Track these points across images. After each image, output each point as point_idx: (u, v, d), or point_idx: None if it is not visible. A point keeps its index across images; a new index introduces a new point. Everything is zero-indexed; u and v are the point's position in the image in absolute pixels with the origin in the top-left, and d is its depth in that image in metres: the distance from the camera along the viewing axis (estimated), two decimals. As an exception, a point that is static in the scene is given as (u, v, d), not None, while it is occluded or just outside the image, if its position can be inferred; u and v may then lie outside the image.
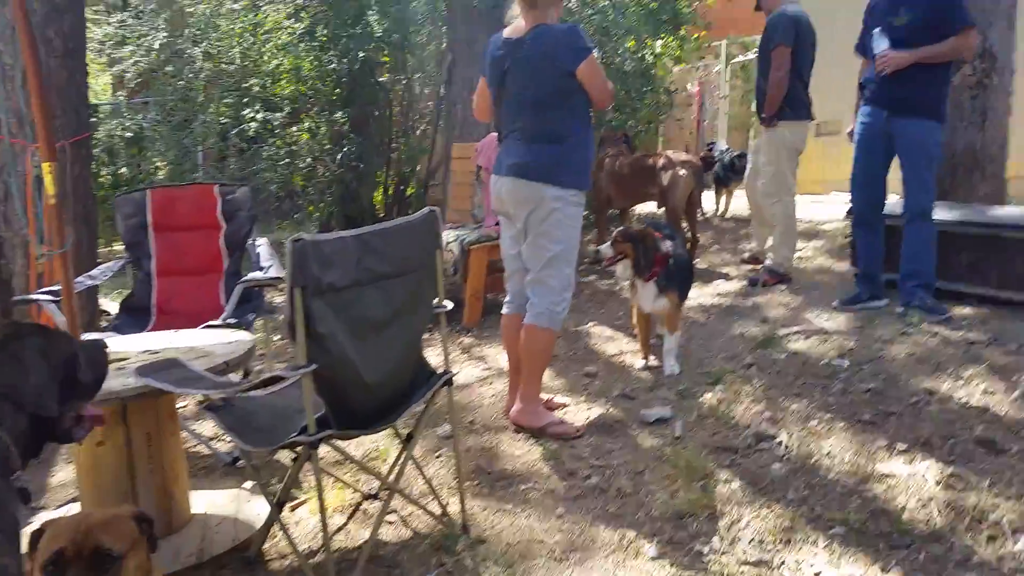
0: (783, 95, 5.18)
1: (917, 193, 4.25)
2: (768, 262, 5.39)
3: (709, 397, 3.48)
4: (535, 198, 3.10)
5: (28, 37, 2.69)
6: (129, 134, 8.25)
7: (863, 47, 4.55)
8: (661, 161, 6.10)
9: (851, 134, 4.68)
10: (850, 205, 4.75)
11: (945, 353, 3.75)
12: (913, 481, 2.66)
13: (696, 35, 9.99)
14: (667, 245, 3.74)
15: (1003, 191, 5.57)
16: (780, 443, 2.99)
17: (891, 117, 4.27)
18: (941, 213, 4.63)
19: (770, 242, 5.49)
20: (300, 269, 2.02)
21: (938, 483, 2.63)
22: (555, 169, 3.08)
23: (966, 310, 4.39)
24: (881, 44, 4.21)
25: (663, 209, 6.23)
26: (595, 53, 3.09)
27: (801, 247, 6.37)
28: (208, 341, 2.79)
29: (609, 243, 3.80)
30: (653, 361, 3.96)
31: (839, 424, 3.13)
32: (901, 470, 2.74)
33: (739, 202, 7.68)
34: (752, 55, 10.08)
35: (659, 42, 9.07)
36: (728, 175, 8.01)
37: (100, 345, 1.80)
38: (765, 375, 3.69)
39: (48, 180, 2.80)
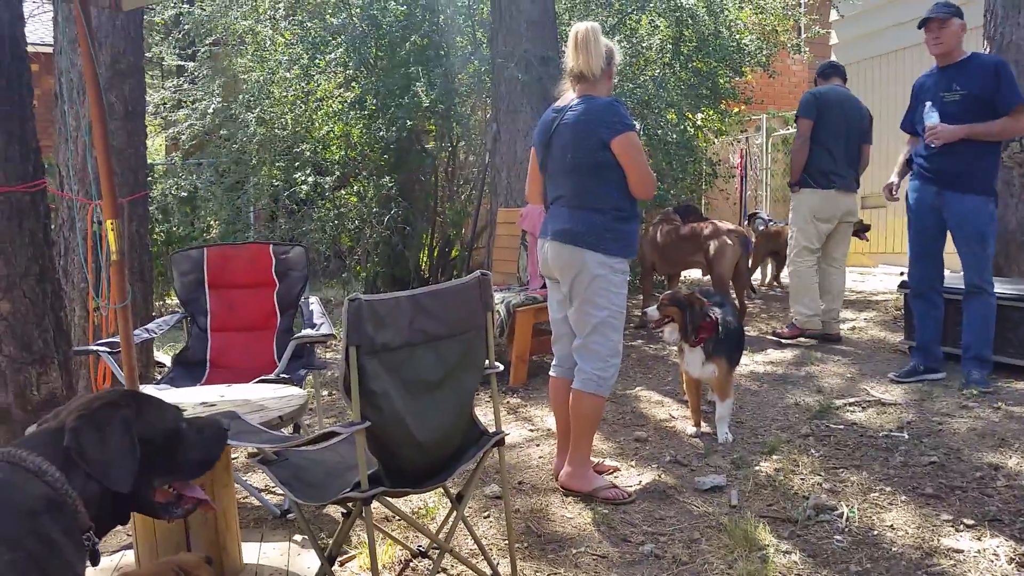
0: (801, 163, 5.51)
1: (969, 268, 4.25)
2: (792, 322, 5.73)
3: (765, 466, 3.39)
4: (578, 264, 3.11)
5: (97, 100, 2.79)
6: (183, 193, 8.48)
7: (910, 124, 4.61)
8: (708, 229, 6.10)
9: (888, 189, 4.75)
10: (903, 277, 4.72)
11: (1009, 428, 3.63)
12: (983, 558, 2.55)
13: (737, 109, 10.11)
14: (715, 311, 3.70)
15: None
16: (840, 515, 2.89)
17: (940, 192, 4.28)
18: (997, 288, 4.55)
19: (823, 305, 5.68)
20: (355, 328, 2.03)
21: (1010, 561, 2.51)
22: (598, 236, 3.09)
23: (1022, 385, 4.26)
24: (932, 117, 4.22)
25: (708, 276, 6.21)
26: (634, 134, 3.07)
27: (853, 318, 6.31)
28: (262, 395, 2.80)
29: (656, 306, 3.78)
30: (705, 428, 3.88)
31: (901, 497, 3.02)
32: (969, 546, 2.62)
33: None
34: (792, 129, 10.14)
35: (700, 115, 9.19)
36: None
37: (218, 426, 1.78)
38: (822, 446, 3.60)
39: (111, 237, 2.87)
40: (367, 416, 2.08)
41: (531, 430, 4.16)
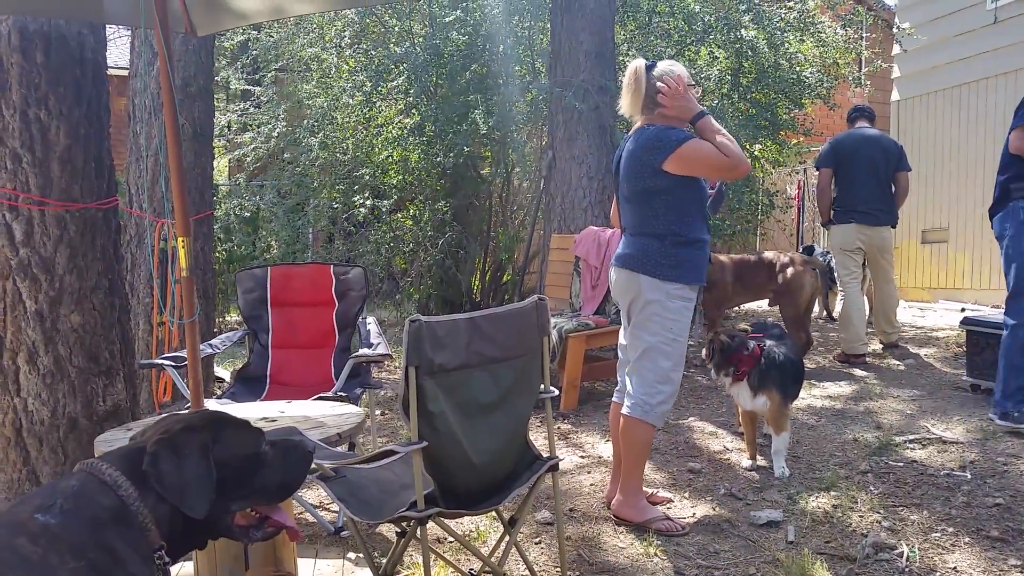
0: (825, 207, 6.20)
1: None
2: (840, 349, 6.15)
3: (822, 502, 3.32)
4: (633, 288, 3.13)
5: (172, 122, 2.90)
6: (246, 214, 8.71)
7: None
8: (783, 259, 5.99)
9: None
10: (964, 313, 4.61)
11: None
12: (1053, 607, 2.46)
13: (795, 140, 10.02)
14: (752, 345, 3.65)
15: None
16: (901, 554, 2.82)
17: None
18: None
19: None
20: (415, 349, 2.07)
21: (1082, 611, 2.42)
22: (654, 262, 3.08)
23: None
24: None
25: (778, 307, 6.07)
26: (686, 145, 2.99)
27: (913, 353, 6.17)
28: (321, 412, 2.85)
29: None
30: (761, 461, 3.82)
31: (964, 539, 2.93)
32: (1039, 594, 2.53)
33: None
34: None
35: (758, 145, 9.13)
36: (830, 277, 7.86)
37: (303, 448, 1.77)
38: (881, 483, 3.51)
39: (182, 254, 2.97)
40: (424, 436, 2.12)
41: (582, 456, 4.15)
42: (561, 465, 3.95)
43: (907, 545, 2.88)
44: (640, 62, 3.17)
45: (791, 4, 8.90)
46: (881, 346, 6.39)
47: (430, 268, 7.92)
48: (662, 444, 4.24)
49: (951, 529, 3.02)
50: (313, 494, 3.71)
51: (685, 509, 3.37)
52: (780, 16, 8.42)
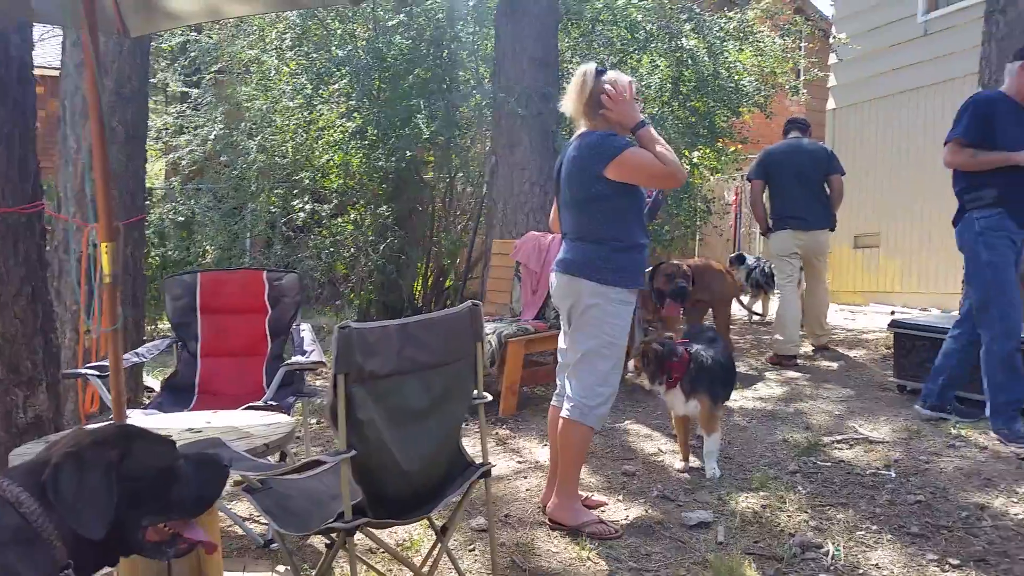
0: (760, 216, 6.51)
1: None
2: (772, 351, 6.39)
3: (752, 503, 3.38)
4: (574, 292, 3.15)
5: (98, 125, 2.82)
6: (180, 218, 8.51)
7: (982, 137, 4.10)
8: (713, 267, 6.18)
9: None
10: (894, 316, 4.73)
11: (995, 468, 3.63)
12: (969, 601, 2.54)
13: (733, 148, 10.22)
14: (680, 351, 3.68)
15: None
16: (827, 553, 2.88)
17: None
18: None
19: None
20: (344, 356, 2.05)
21: (996, 604, 2.51)
22: (594, 266, 3.11)
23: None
24: None
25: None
26: (627, 152, 3.03)
27: (843, 355, 6.34)
28: (248, 422, 2.79)
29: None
30: (693, 462, 3.88)
31: (887, 536, 3.02)
32: (955, 589, 2.62)
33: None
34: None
35: (696, 153, 9.29)
36: (769, 281, 8.07)
37: (219, 463, 1.73)
38: (809, 483, 3.59)
39: (105, 260, 2.88)
40: (353, 445, 2.09)
41: (519, 462, 4.15)
42: (498, 470, 3.97)
43: (833, 544, 2.95)
44: (591, 65, 3.20)
45: (731, 14, 9.08)
46: (812, 348, 6.56)
47: (371, 273, 7.85)
48: (598, 448, 4.27)
49: (875, 527, 3.10)
50: (243, 506, 3.64)
51: (619, 512, 3.39)
52: (720, 26, 8.58)
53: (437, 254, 8.63)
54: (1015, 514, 3.14)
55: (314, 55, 8.03)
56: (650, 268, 5.22)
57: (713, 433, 3.74)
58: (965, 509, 3.20)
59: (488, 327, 5.23)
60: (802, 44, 11.75)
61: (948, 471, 3.63)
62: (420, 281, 8.59)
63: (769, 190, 6.35)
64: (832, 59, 10.81)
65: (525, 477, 3.90)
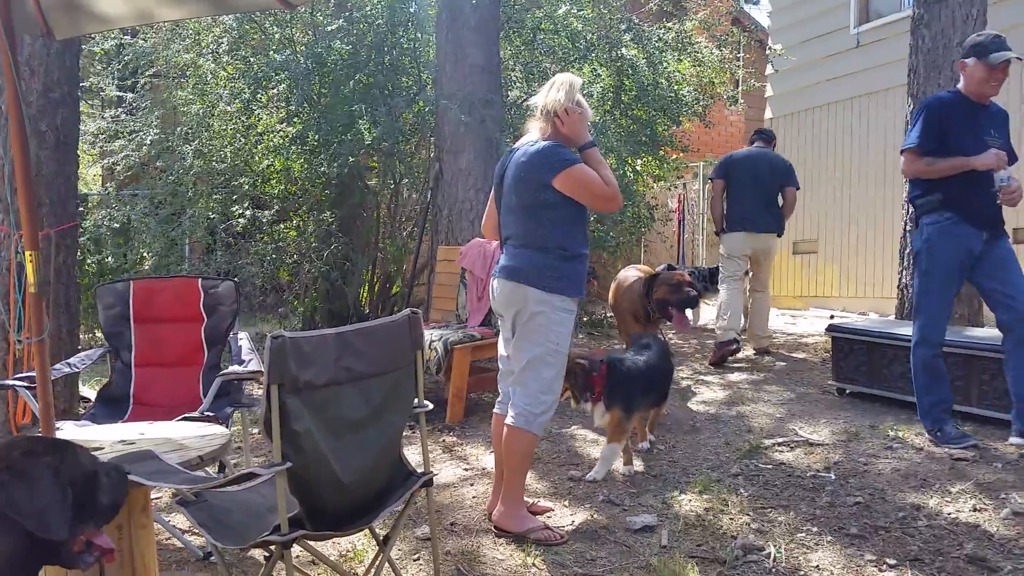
0: (717, 215, 6.73)
1: None
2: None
3: (696, 506, 3.41)
4: (519, 300, 3.14)
5: (19, 129, 2.71)
6: (116, 224, 8.24)
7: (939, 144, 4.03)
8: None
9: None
10: (833, 320, 4.82)
11: (930, 469, 3.73)
12: (905, 598, 2.59)
13: (675, 156, 10.37)
14: (599, 363, 3.68)
15: (979, 313, 5.70)
16: (768, 555, 2.92)
17: (999, 238, 4.03)
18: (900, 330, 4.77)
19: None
20: (278, 366, 2.00)
21: (931, 601, 2.56)
22: (539, 274, 3.11)
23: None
24: (1004, 177, 3.89)
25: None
26: (576, 167, 3.07)
27: (785, 356, 6.46)
28: (183, 434, 2.71)
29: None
30: (638, 467, 3.89)
31: (827, 537, 3.07)
32: (892, 586, 2.67)
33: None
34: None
35: (639, 161, 9.39)
36: (707, 287, 8.20)
37: (119, 469, 1.74)
38: (751, 485, 3.64)
39: (29, 269, 2.77)
40: (288, 456, 2.04)
41: (466, 469, 4.12)
42: (445, 478, 3.93)
43: (774, 546, 2.98)
44: (578, 79, 3.25)
45: (670, 25, 9.21)
46: (754, 351, 6.70)
47: (316, 280, 7.72)
48: (545, 453, 4.26)
49: (815, 528, 3.15)
50: (183, 518, 3.53)
51: (565, 517, 3.39)
52: (659, 36, 8.69)
53: (383, 260, 8.53)
54: (948, 513, 3.22)
55: (252, 59, 7.88)
56: (647, 278, 5.10)
57: (613, 442, 3.76)
58: (902, 510, 3.27)
59: (434, 334, 5.20)
60: (740, 55, 11.99)
61: (886, 472, 3.71)
62: (366, 288, 8.48)
63: (727, 192, 6.63)
64: (769, 69, 11.06)
65: (472, 484, 3.87)
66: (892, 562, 2.83)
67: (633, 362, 3.84)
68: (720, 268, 6.85)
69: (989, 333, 4.55)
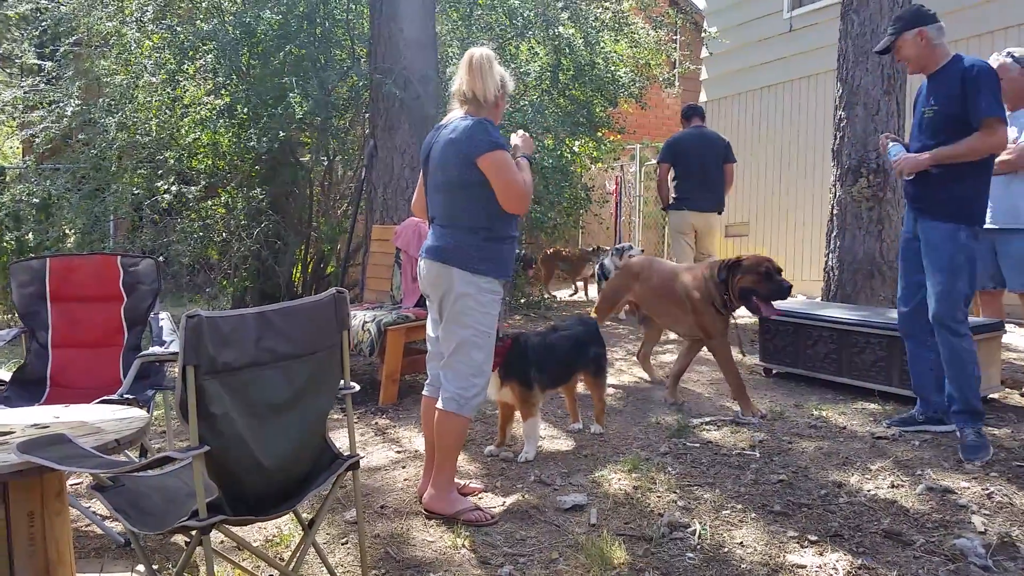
0: (664, 194, 7.20)
1: (934, 301, 3.78)
2: None
3: (625, 484, 3.44)
4: (446, 281, 3.10)
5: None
6: (36, 200, 7.90)
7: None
8: None
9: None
10: None
11: (852, 447, 3.84)
12: (824, 572, 2.66)
13: (612, 138, 10.42)
14: (502, 334, 3.63)
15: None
16: (693, 532, 2.96)
17: (917, 220, 3.91)
18: (844, 313, 4.90)
19: None
20: (194, 347, 1.93)
21: (847, 574, 2.63)
22: (466, 255, 3.07)
23: (871, 406, 4.53)
24: (893, 152, 3.91)
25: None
26: (501, 153, 3.01)
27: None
28: (100, 417, 2.61)
29: None
30: (568, 445, 3.91)
31: (751, 514, 3.13)
32: (811, 561, 2.73)
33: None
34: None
35: (577, 142, 9.42)
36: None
37: None
38: (679, 463, 3.69)
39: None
40: (207, 440, 1.97)
41: (398, 451, 4.08)
42: (377, 460, 3.89)
43: (699, 523, 3.03)
44: (490, 50, 3.21)
45: (607, 4, 9.22)
46: None
47: (245, 259, 7.54)
48: (477, 435, 4.25)
49: (739, 506, 3.21)
50: (103, 505, 3.41)
51: (496, 498, 3.38)
52: (596, 16, 8.68)
53: (317, 240, 8.38)
54: (868, 490, 3.32)
55: (178, 28, 7.61)
56: (727, 263, 4.45)
57: (530, 418, 3.80)
58: (824, 487, 3.36)
59: (368, 315, 5.13)
60: (677, 37, 12.08)
61: (809, 451, 3.81)
62: (299, 268, 8.32)
63: (674, 172, 7.07)
64: (704, 52, 11.17)
65: (403, 467, 3.84)
66: (813, 538, 2.90)
67: (538, 340, 3.87)
68: (673, 248, 7.38)
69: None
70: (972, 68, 3.63)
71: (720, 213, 7.14)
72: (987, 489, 3.27)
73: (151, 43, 7.74)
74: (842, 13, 6.23)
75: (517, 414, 3.96)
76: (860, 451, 3.78)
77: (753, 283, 4.37)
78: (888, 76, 5.94)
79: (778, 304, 4.49)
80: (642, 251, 9.07)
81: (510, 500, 3.35)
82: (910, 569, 2.65)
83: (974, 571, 2.62)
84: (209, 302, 8.33)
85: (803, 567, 2.70)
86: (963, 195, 3.72)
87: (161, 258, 7.81)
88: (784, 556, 2.78)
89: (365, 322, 5.05)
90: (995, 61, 4.41)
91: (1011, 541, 2.81)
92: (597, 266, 9.16)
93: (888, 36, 3.91)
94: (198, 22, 7.46)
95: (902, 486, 3.34)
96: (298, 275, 8.34)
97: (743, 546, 2.86)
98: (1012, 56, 4.51)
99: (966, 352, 3.72)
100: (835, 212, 6.11)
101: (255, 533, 3.08)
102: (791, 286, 4.34)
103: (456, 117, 3.17)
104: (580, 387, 4.37)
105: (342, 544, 2.99)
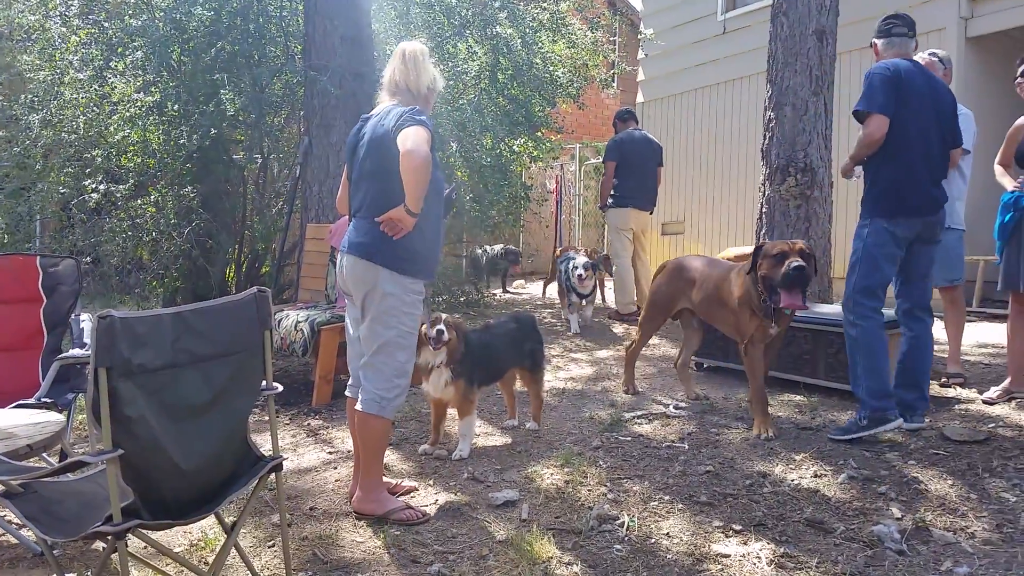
0: (608, 192, 7.58)
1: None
2: (615, 308, 7.64)
3: (557, 479, 3.47)
4: (370, 280, 3.03)
5: None
6: (-43, 199, 7.61)
7: None
8: None
9: None
10: None
11: (778, 438, 3.93)
12: (747, 561, 2.72)
13: (551, 137, 10.48)
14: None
15: (828, 290, 6.04)
16: (622, 524, 3.00)
17: None
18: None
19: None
20: (106, 348, 1.89)
21: (770, 563, 2.70)
22: (392, 253, 3.00)
23: (796, 397, 4.64)
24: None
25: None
26: (421, 128, 2.90)
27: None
28: (13, 422, 2.54)
29: (439, 327, 3.65)
30: (502, 440, 3.93)
31: (678, 505, 3.19)
32: (736, 550, 2.80)
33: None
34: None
35: (517, 141, 9.45)
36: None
37: None
38: (610, 457, 3.74)
39: None
40: (121, 443, 1.93)
41: (330, 452, 4.04)
42: (308, 462, 3.85)
43: (628, 515, 3.08)
44: (423, 46, 3.20)
45: (544, 5, 9.26)
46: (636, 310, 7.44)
47: (176, 259, 7.37)
48: (411, 433, 4.24)
49: (667, 497, 3.26)
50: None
51: (429, 496, 3.38)
52: (534, 16, 8.72)
53: (251, 239, 8.23)
54: (792, 480, 3.40)
55: (106, 24, 7.40)
56: (750, 250, 4.13)
57: (466, 416, 3.82)
58: (749, 477, 3.44)
59: (301, 314, 5.07)
60: (615, 38, 12.20)
61: (736, 442, 3.89)
62: (233, 267, 8.16)
63: (617, 172, 7.47)
64: (640, 54, 11.31)
65: (335, 468, 3.80)
66: (738, 527, 2.97)
67: (475, 336, 3.88)
68: (610, 245, 7.74)
69: (835, 309, 4.83)
70: (869, 72, 3.87)
71: (652, 213, 7.67)
72: (904, 477, 3.39)
73: (78, 39, 7.51)
74: (772, 16, 6.37)
75: (450, 412, 3.96)
76: (785, 442, 3.87)
77: (768, 271, 3.91)
78: (816, 77, 6.09)
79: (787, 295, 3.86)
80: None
81: (443, 498, 3.35)
82: (830, 556, 2.73)
83: (890, 556, 2.72)
84: (139, 303, 8.13)
85: (727, 556, 2.76)
86: (871, 191, 3.94)
87: (89, 259, 7.60)
88: (709, 546, 2.83)
89: (298, 322, 4.99)
90: (921, 60, 4.57)
91: (925, 526, 2.92)
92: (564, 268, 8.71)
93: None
94: (127, 18, 7.25)
95: (825, 475, 3.44)
96: (232, 275, 8.19)
97: (669, 537, 2.91)
98: (936, 56, 4.68)
99: (856, 342, 3.91)
100: (764, 210, 6.25)
101: (179, 538, 3.02)
102: (801, 267, 3.82)
103: (385, 107, 3.13)
104: (518, 384, 4.38)
105: (269, 547, 2.95)
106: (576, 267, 6.87)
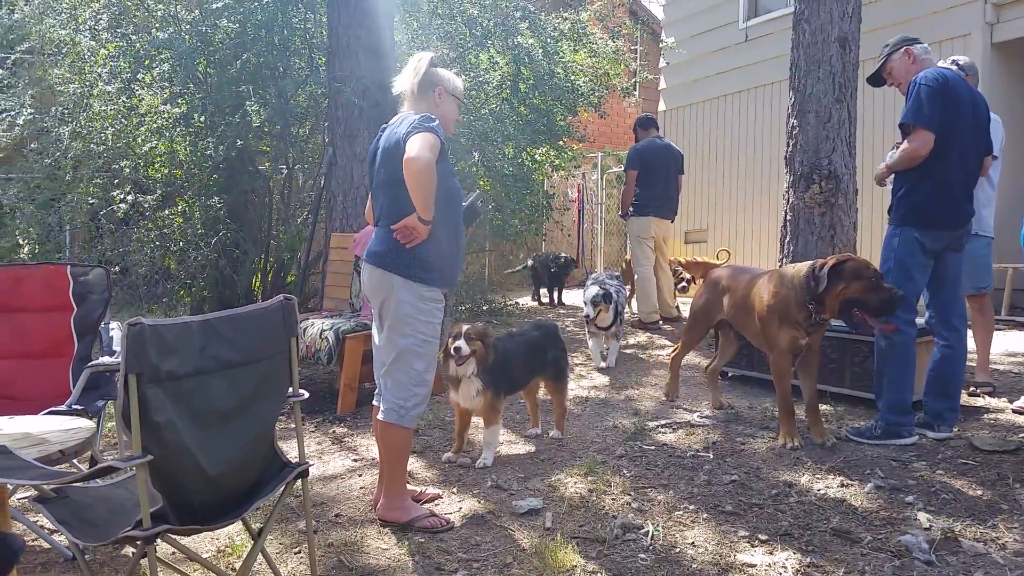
0: (629, 200, 7.52)
1: None
2: (638, 317, 7.62)
3: (580, 487, 3.47)
4: (386, 288, 3.05)
5: None
6: (-12, 209, 7.77)
7: None
8: None
9: None
10: None
11: (804, 447, 3.89)
12: (773, 571, 2.70)
13: (573, 146, 10.49)
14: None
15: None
16: (646, 533, 2.99)
17: None
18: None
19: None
20: (136, 355, 1.92)
21: (796, 573, 2.68)
22: (406, 261, 3.01)
23: (823, 407, 4.59)
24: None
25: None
26: (430, 135, 2.90)
27: (672, 344, 6.62)
28: (45, 428, 2.58)
29: (459, 343, 3.65)
30: (529, 449, 3.93)
31: (703, 515, 3.17)
32: (761, 560, 2.78)
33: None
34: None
35: (539, 150, 9.48)
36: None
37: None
38: (634, 466, 3.73)
39: None
40: (150, 449, 1.96)
41: (355, 460, 4.07)
42: (333, 469, 3.87)
43: (652, 524, 3.07)
44: (430, 53, 3.21)
45: (566, 15, 9.29)
46: (659, 319, 7.62)
47: (203, 269, 7.45)
48: (436, 441, 4.26)
49: (692, 506, 3.25)
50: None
51: (452, 504, 3.39)
52: (555, 26, 8.75)
53: (276, 248, 8.31)
54: (818, 490, 3.38)
55: (134, 37, 7.52)
56: (824, 267, 3.75)
57: (492, 425, 3.82)
58: (775, 487, 3.42)
59: (326, 323, 5.11)
60: (636, 47, 12.21)
61: (761, 451, 3.87)
62: (259, 277, 8.24)
63: (638, 180, 7.40)
64: (662, 63, 11.31)
65: (360, 475, 3.82)
66: (764, 537, 2.95)
67: (500, 345, 3.86)
68: (632, 253, 7.66)
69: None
70: (915, 82, 3.83)
71: (673, 221, 7.66)
72: (932, 486, 3.35)
73: (106, 51, 7.64)
74: (794, 23, 6.34)
75: (474, 420, 3.97)
76: (811, 451, 3.84)
77: (860, 293, 3.67)
78: (840, 84, 6.05)
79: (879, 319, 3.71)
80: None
81: (466, 506, 3.36)
82: (857, 566, 2.70)
83: (918, 566, 2.68)
84: (167, 312, 8.23)
85: (753, 566, 2.74)
86: (902, 200, 3.93)
87: (118, 268, 7.71)
88: (735, 555, 2.82)
89: (323, 330, 5.03)
90: None
91: (954, 536, 2.88)
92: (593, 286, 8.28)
93: (882, 63, 4.10)
94: (154, 31, 7.38)
95: (851, 485, 3.41)
96: (258, 284, 8.27)
97: (694, 546, 2.90)
98: (957, 64, 4.63)
99: (887, 350, 3.95)
100: (788, 218, 6.21)
101: (207, 544, 3.05)
102: (902, 296, 3.68)
103: (401, 116, 3.16)
104: (541, 392, 4.38)
105: (295, 553, 2.97)
106: (586, 302, 5.81)
